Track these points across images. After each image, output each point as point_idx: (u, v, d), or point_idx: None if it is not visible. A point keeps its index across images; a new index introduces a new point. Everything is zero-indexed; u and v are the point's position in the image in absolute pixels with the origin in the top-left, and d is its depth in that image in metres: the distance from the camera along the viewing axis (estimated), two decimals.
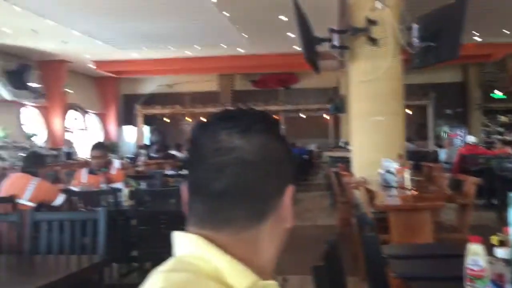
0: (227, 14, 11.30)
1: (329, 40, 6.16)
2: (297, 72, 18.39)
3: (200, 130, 0.77)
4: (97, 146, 5.04)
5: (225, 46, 14.48)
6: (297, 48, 13.93)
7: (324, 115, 18.45)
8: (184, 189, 0.77)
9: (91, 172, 4.90)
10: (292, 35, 12.77)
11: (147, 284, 0.69)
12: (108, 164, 4.94)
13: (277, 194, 0.74)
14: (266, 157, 0.73)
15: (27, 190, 3.98)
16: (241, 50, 15.15)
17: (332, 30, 6.21)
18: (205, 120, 0.81)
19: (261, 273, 0.70)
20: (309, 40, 6.03)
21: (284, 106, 18.12)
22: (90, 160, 5.14)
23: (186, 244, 0.71)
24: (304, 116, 18.23)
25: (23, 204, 3.92)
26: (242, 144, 0.71)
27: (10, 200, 3.78)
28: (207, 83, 19.19)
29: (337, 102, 15.87)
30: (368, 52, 5.87)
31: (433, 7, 5.96)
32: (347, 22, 6.21)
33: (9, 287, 2.26)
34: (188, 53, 15.44)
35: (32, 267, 2.69)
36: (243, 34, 13.16)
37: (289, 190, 0.76)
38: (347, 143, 13.02)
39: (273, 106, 17.68)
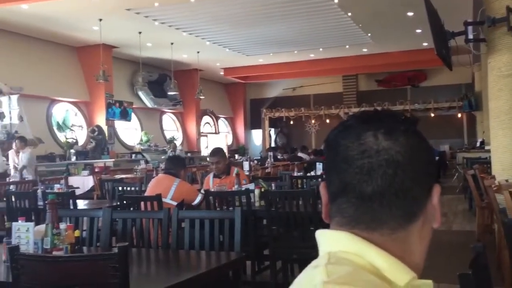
0: (350, 14, 11.13)
1: (463, 33, 5.75)
2: (425, 69, 17.46)
3: (341, 132, 0.77)
4: (215, 152, 5.23)
5: (349, 47, 14.27)
6: (425, 44, 13.29)
7: (457, 114, 17.25)
8: (323, 191, 0.77)
9: (215, 176, 5.16)
10: (419, 31, 12.16)
11: (303, 279, 0.70)
12: (228, 169, 5.15)
13: (426, 194, 0.73)
14: (414, 157, 0.72)
15: (170, 190, 4.31)
16: (365, 50, 14.81)
17: (467, 23, 5.78)
18: (344, 122, 0.80)
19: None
20: (441, 35, 5.68)
21: (412, 105, 17.29)
22: (210, 166, 5.34)
23: (337, 241, 0.72)
24: (434, 115, 17.21)
25: (167, 203, 4.25)
26: (390, 145, 0.71)
27: (156, 198, 4.12)
28: (331, 85, 19.07)
29: (471, 99, 14.75)
30: (509, 43, 5.35)
31: None
32: (484, 13, 5.73)
33: (159, 279, 2.46)
34: (312, 55, 15.50)
35: (177, 261, 2.90)
36: (367, 33, 12.85)
37: (436, 190, 0.74)
38: (484, 143, 12.04)
39: (400, 105, 16.98)
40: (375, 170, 0.70)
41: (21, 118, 10.35)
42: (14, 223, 2.53)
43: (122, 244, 1.94)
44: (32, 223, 2.54)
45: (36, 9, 9.58)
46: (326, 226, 0.77)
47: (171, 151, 13.15)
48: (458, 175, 11.96)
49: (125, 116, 13.54)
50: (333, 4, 10.33)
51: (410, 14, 10.98)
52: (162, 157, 13.30)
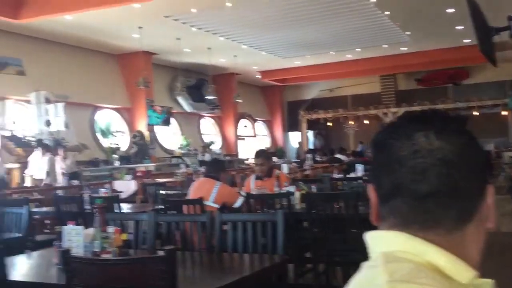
0: (387, 13, 10.94)
1: (507, 28, 5.55)
2: (467, 66, 16.96)
3: (389, 133, 0.76)
4: (259, 154, 5.32)
5: (387, 46, 14.03)
6: (467, 41, 12.93)
7: (501, 111, 16.66)
8: (371, 193, 0.77)
9: (257, 178, 5.18)
10: (460, 27, 11.83)
11: (363, 280, 0.69)
12: (270, 171, 5.16)
13: (480, 194, 0.73)
14: (468, 156, 0.71)
15: (212, 193, 4.36)
16: (404, 48, 14.53)
17: (511, 18, 5.58)
18: (392, 123, 0.80)
19: None
20: (484, 31, 5.50)
21: (454, 104, 16.81)
22: (254, 167, 5.41)
23: (393, 241, 0.71)
24: (478, 114, 16.68)
25: (209, 206, 4.30)
26: (442, 144, 0.70)
27: (199, 202, 4.18)
28: (369, 85, 18.81)
29: None
30: None
31: None
32: None
33: (204, 281, 2.49)
34: (349, 56, 15.33)
35: (222, 263, 2.93)
36: (405, 31, 12.61)
37: (491, 190, 0.74)
38: None
39: (442, 104, 16.54)
40: (428, 170, 0.70)
41: (66, 125, 10.70)
42: (64, 227, 2.62)
43: (169, 247, 1.97)
44: (81, 227, 2.62)
45: (79, 19, 9.89)
46: (369, 228, 0.76)
47: (202, 154, 13.21)
48: (506, 175, 11.56)
49: (165, 121, 13.78)
50: (370, 3, 10.20)
51: (450, 10, 10.71)
52: (199, 159, 13.43)
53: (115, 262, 2.09)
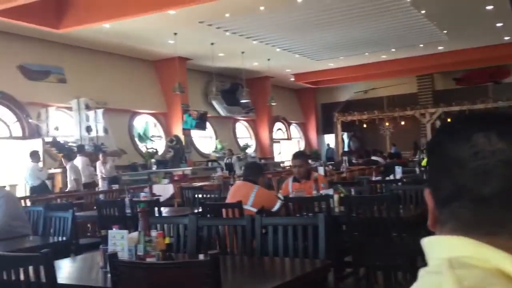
0: (423, 12, 10.72)
1: None
2: (508, 64, 16.42)
3: (446, 135, 0.74)
4: (297, 155, 5.27)
5: (423, 45, 13.75)
6: (507, 38, 12.53)
7: None
8: (428, 197, 0.74)
9: (295, 180, 5.14)
10: (500, 24, 11.47)
11: (425, 287, 0.67)
12: (308, 173, 5.11)
13: None
14: None
15: (250, 197, 4.35)
16: (441, 47, 14.20)
17: None
18: (448, 125, 0.77)
19: None
20: None
21: (495, 103, 16.29)
22: (292, 169, 5.38)
23: (456, 247, 0.68)
24: None
25: (247, 210, 4.29)
26: (504, 145, 0.67)
27: (238, 205, 4.18)
28: (405, 86, 18.46)
29: None
30: None
31: None
32: None
33: (246, 286, 2.48)
34: (384, 57, 15.10)
35: (263, 268, 2.91)
36: (442, 30, 12.32)
37: None
38: None
39: (481, 104, 16.06)
40: (491, 172, 0.67)
41: (106, 131, 10.95)
42: (110, 231, 2.66)
43: (213, 251, 1.97)
44: (126, 231, 2.66)
45: (116, 27, 10.12)
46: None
47: (228, 158, 13.13)
48: None
49: (200, 125, 13.92)
50: (405, 2, 10.02)
51: (489, 7, 10.40)
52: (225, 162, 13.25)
53: (161, 266, 2.11)
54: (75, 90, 11.11)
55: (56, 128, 10.83)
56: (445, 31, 12.44)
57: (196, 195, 6.40)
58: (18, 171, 9.76)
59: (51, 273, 2.24)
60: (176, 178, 10.57)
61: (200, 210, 5.09)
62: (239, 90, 15.71)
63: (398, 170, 6.69)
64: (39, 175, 8.85)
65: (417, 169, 8.33)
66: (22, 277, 2.25)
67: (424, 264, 0.72)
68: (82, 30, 9.80)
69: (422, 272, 0.70)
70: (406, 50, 14.15)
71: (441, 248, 0.70)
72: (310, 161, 14.75)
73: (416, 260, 3.84)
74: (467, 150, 0.69)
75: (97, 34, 10.63)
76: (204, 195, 6.33)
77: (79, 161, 9.48)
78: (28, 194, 8.75)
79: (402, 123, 17.88)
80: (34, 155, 8.89)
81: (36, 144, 10.00)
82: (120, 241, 2.63)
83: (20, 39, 10.38)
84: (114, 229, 2.79)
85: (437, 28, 12.13)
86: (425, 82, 18.48)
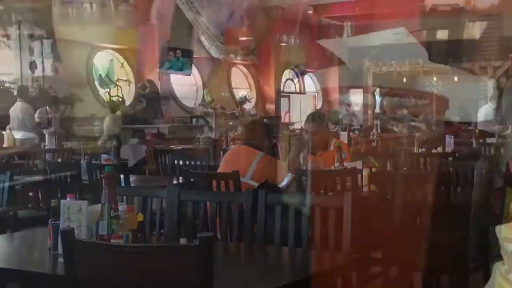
0: None
1: None
2: None
3: None
4: (312, 118, 5.20)
5: None
6: None
7: None
8: None
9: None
10: None
11: None
12: (327, 141, 5.08)
13: None
14: None
15: (250, 166, 4.35)
16: None
17: None
18: None
19: None
20: None
21: None
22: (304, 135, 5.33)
23: None
24: None
25: (244, 183, 4.30)
26: None
27: (233, 176, 4.18)
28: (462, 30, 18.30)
29: None
30: None
31: None
32: None
33: (245, 284, 2.49)
34: None
35: (266, 260, 2.94)
36: None
37: None
38: None
39: None
40: None
41: (55, 70, 10.86)
42: (63, 201, 2.65)
43: (204, 234, 1.96)
44: (85, 202, 2.65)
45: None
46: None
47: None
48: None
49: (184, 69, 13.79)
50: None
51: None
52: (230, 123, 13.47)
53: (137, 250, 2.09)
54: (15, 12, 10.94)
55: None
56: None
57: (175, 161, 6.44)
58: None
59: None
60: (148, 137, 10.61)
61: (181, 181, 5.11)
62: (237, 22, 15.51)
63: (449, 141, 6.70)
64: None
65: (473, 141, 8.36)
66: None
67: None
68: None
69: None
70: None
71: None
72: (329, 124, 14.79)
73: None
74: None
75: None
76: (186, 162, 6.35)
77: (18, 108, 9.45)
78: None
79: (455, 78, 17.85)
80: None
81: None
82: (76, 215, 2.63)
83: None
84: (68, 199, 2.78)
85: None
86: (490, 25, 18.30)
